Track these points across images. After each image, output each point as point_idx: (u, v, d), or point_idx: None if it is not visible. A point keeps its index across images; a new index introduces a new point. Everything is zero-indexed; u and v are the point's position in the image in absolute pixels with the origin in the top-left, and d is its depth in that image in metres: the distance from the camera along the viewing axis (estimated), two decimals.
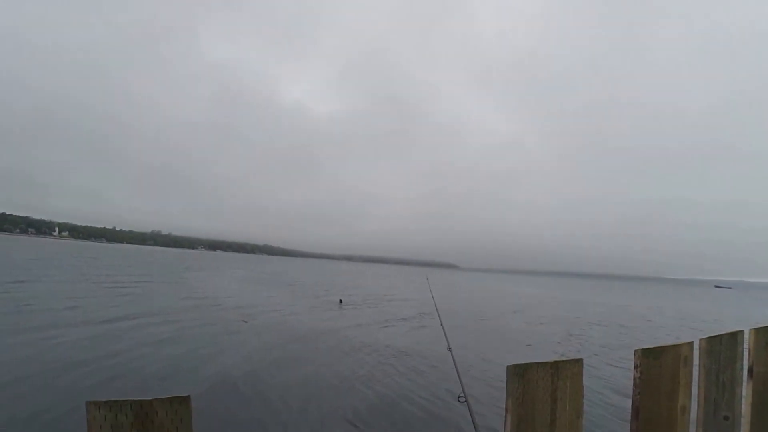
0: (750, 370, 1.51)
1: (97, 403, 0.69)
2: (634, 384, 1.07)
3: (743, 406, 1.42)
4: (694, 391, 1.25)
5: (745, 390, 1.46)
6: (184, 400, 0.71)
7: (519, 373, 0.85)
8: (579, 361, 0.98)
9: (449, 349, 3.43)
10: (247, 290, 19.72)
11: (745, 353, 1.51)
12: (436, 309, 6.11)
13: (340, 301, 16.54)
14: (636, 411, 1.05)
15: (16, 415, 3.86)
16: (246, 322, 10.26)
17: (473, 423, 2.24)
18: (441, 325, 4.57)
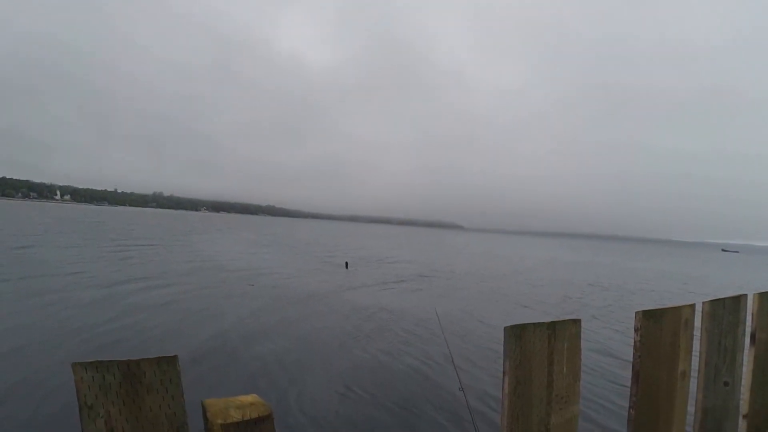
0: (752, 336, 1.49)
1: (83, 363, 0.68)
2: (635, 347, 1.05)
3: (744, 373, 1.41)
4: (695, 356, 1.24)
5: (746, 356, 1.44)
6: (171, 360, 0.70)
7: (516, 334, 0.82)
8: (577, 322, 0.95)
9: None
10: (252, 253, 20.04)
11: (748, 318, 1.49)
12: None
13: (346, 264, 16.67)
14: (636, 375, 1.03)
15: (9, 380, 3.99)
16: (252, 285, 10.43)
17: (469, 411, 2.31)
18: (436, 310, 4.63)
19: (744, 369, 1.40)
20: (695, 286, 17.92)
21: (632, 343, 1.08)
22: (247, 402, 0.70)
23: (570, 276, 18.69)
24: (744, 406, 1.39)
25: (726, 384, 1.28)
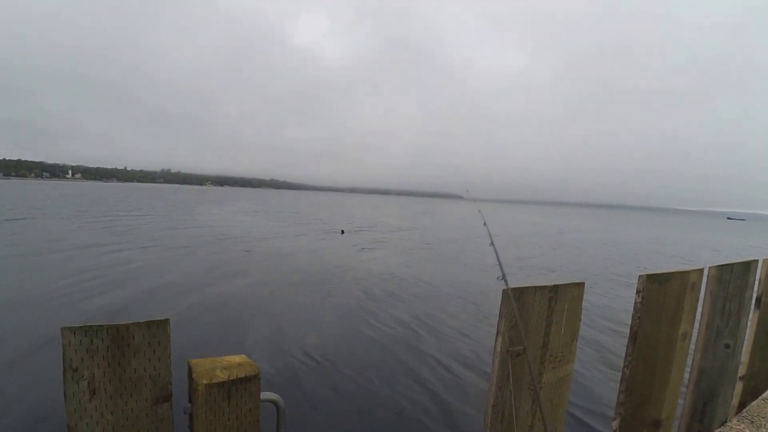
0: (758, 300, 1.47)
1: (72, 328, 0.67)
2: (635, 309, 1.04)
3: (746, 336, 1.41)
4: (698, 319, 1.23)
5: (751, 320, 1.43)
6: (162, 324, 0.70)
7: (515, 296, 0.81)
8: (580, 285, 0.95)
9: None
10: (251, 222, 20.37)
11: (756, 283, 1.47)
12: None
13: (342, 231, 17.21)
14: (633, 335, 1.03)
15: None
16: (248, 252, 10.65)
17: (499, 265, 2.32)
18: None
19: (747, 332, 1.40)
20: (698, 250, 17.95)
21: (633, 304, 1.07)
22: (234, 362, 0.70)
23: (573, 242, 18.74)
24: (742, 368, 1.39)
25: (727, 346, 1.28)
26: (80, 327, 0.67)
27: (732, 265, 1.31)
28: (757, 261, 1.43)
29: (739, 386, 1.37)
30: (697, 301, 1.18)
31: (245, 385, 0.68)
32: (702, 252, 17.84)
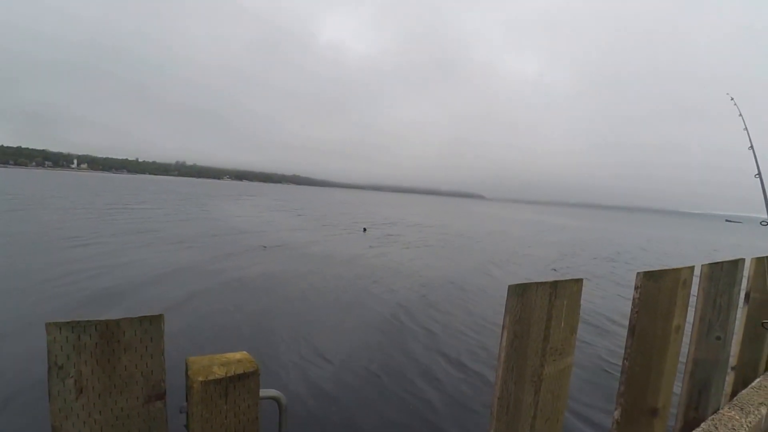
0: (747, 296, 1.53)
1: (58, 324, 0.63)
2: (633, 304, 1.06)
3: (736, 328, 1.46)
4: (690, 314, 1.26)
5: (740, 313, 1.49)
6: (155, 320, 0.66)
7: (519, 292, 0.83)
8: (579, 281, 0.96)
9: None
10: (270, 218, 20.05)
11: (744, 280, 1.52)
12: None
13: (364, 229, 16.97)
14: (632, 329, 1.05)
15: None
16: (265, 248, 10.36)
17: None
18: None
19: (736, 325, 1.45)
20: (694, 250, 18.64)
21: (631, 300, 1.09)
22: (234, 359, 0.67)
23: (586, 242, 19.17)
24: (733, 360, 1.44)
25: (718, 338, 1.31)
26: (66, 322, 0.63)
27: (722, 263, 1.35)
28: (744, 259, 1.48)
29: (730, 376, 1.42)
30: (689, 296, 1.21)
31: (244, 381, 0.65)
32: (704, 249, 18.69)
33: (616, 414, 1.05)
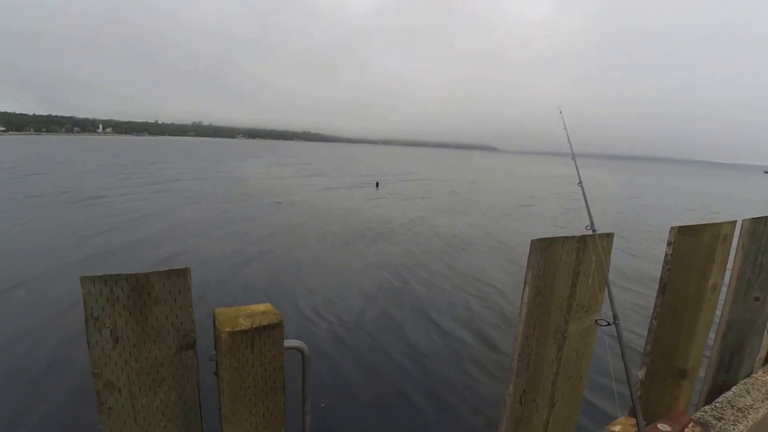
0: None
1: (92, 277, 0.66)
2: (665, 261, 1.01)
3: None
4: (728, 273, 1.19)
5: None
6: (182, 273, 0.68)
7: (543, 246, 0.79)
8: (609, 235, 0.91)
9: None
10: (283, 174, 20.48)
11: None
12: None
13: (377, 184, 17.09)
14: (663, 287, 1.00)
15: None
16: (280, 203, 10.73)
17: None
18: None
19: None
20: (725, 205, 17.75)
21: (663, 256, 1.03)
22: (258, 311, 0.70)
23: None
24: None
25: (757, 299, 1.25)
26: (99, 276, 0.65)
27: (766, 218, 1.25)
28: None
29: (767, 338, 1.36)
30: (728, 254, 1.14)
31: (268, 332, 0.67)
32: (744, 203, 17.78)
33: (641, 373, 1.03)
